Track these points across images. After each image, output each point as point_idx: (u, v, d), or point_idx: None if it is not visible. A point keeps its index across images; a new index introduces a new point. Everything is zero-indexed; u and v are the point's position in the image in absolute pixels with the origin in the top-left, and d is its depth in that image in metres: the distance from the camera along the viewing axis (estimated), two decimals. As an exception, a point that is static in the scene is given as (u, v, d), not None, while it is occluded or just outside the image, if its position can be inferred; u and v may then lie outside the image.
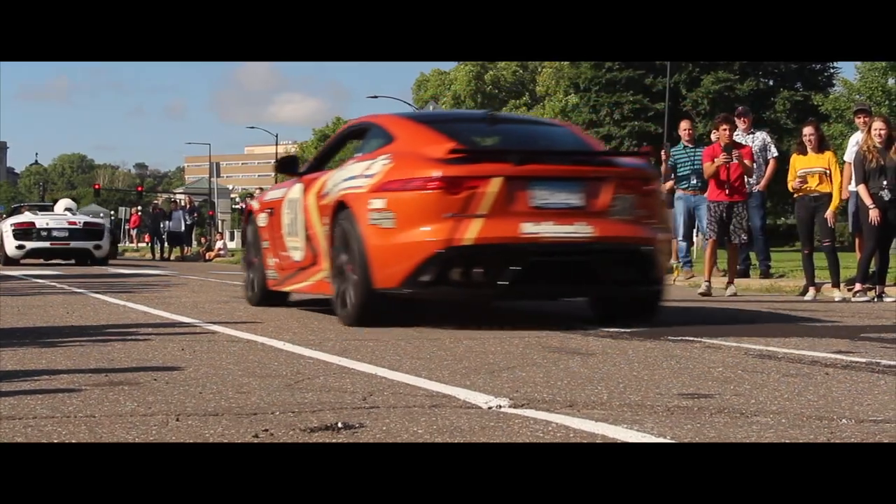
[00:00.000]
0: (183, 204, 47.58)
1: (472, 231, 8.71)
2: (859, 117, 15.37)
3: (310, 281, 10.34)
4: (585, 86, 61.09)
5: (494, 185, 8.75)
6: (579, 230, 8.93)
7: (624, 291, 9.55)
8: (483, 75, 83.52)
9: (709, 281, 14.56)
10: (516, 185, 8.83)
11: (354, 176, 9.43)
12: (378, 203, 8.96)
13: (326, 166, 11.47)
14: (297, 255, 10.65)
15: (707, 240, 15.56)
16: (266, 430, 4.28)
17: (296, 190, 10.84)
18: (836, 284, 13.72)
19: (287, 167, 11.47)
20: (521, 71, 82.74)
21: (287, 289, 11.23)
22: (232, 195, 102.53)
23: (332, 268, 9.58)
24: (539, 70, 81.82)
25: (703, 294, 14.34)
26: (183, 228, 43.78)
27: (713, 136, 15.87)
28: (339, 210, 9.42)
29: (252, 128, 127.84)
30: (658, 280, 9.49)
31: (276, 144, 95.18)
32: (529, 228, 8.79)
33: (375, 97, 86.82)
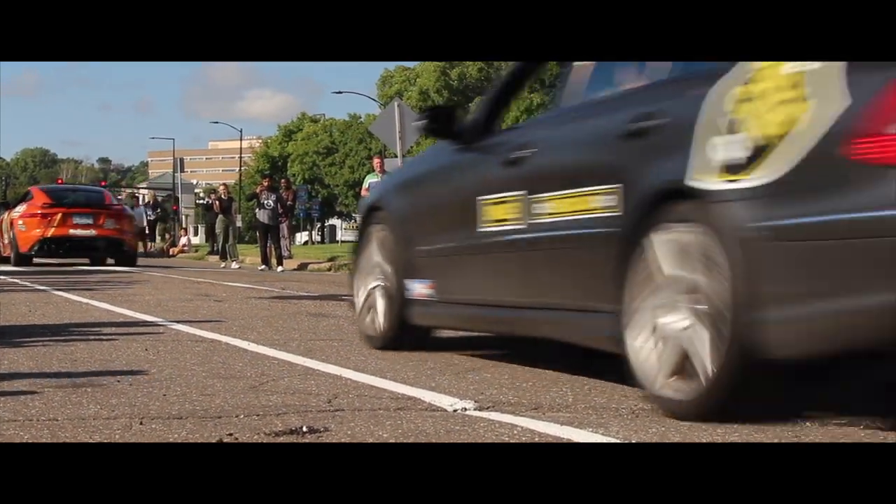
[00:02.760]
0: (147, 200, 47.42)
1: (50, 231, 24.03)
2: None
3: None
4: (551, 82, 61.18)
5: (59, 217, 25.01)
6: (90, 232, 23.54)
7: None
8: (449, 71, 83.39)
9: None
10: (68, 215, 24.95)
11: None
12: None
13: None
14: None
15: None
16: (230, 434, 4.26)
17: None
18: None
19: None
20: (486, 68, 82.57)
21: None
22: (196, 190, 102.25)
23: None
24: (504, 67, 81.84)
25: None
26: (146, 224, 43.63)
27: None
28: None
29: (216, 123, 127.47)
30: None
31: (241, 139, 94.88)
32: (71, 231, 23.55)
33: (340, 93, 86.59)
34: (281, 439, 4.20)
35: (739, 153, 4.61)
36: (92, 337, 8.09)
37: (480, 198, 6.59)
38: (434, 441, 4.17)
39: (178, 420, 4.60)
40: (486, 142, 6.80)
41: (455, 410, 4.89)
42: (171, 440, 4.17)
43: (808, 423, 4.58)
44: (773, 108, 4.52)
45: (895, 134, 4.09)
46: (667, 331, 4.89)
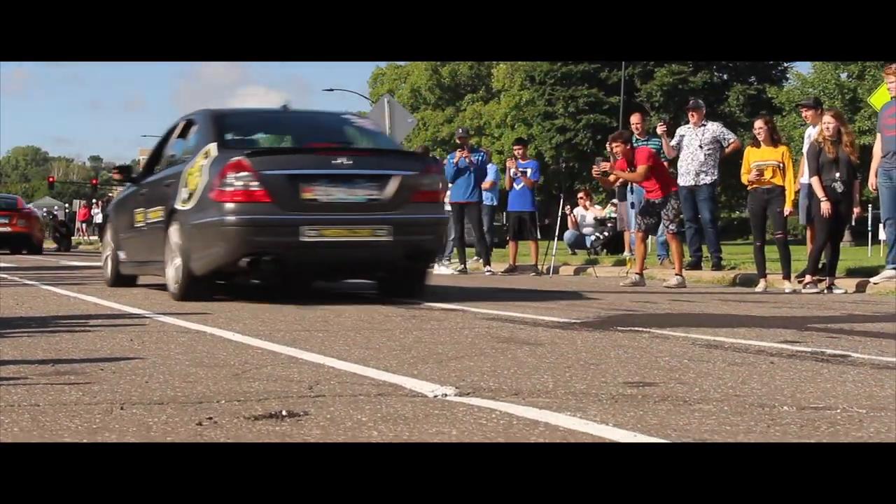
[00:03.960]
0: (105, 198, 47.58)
1: None
2: (803, 111, 15.58)
3: None
4: (541, 79, 61.28)
5: None
6: (6, 229, 32.48)
7: None
8: (440, 69, 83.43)
9: (640, 273, 14.81)
10: None
11: None
12: None
13: None
14: None
15: (635, 232, 15.83)
16: (210, 418, 4.28)
17: None
18: (786, 276, 13.81)
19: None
20: (477, 66, 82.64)
21: None
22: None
23: None
24: (496, 64, 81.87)
25: (633, 284, 14.56)
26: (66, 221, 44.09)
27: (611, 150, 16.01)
28: None
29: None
30: None
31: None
32: None
33: (332, 90, 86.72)
34: (260, 423, 4.22)
35: (186, 195, 11.35)
36: (78, 328, 8.12)
37: (134, 210, 13.35)
38: (412, 424, 4.19)
39: (158, 405, 4.63)
40: (141, 182, 13.68)
41: (435, 396, 4.91)
42: (150, 424, 4.20)
43: (785, 408, 4.61)
44: (194, 176, 11.22)
45: (220, 190, 10.81)
46: (176, 262, 11.39)
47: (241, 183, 10.73)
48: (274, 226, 10.75)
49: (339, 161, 11.08)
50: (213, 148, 11.26)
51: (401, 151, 13.42)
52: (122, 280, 13.93)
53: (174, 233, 11.43)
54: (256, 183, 10.71)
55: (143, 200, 12.99)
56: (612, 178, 16.00)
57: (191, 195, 11.19)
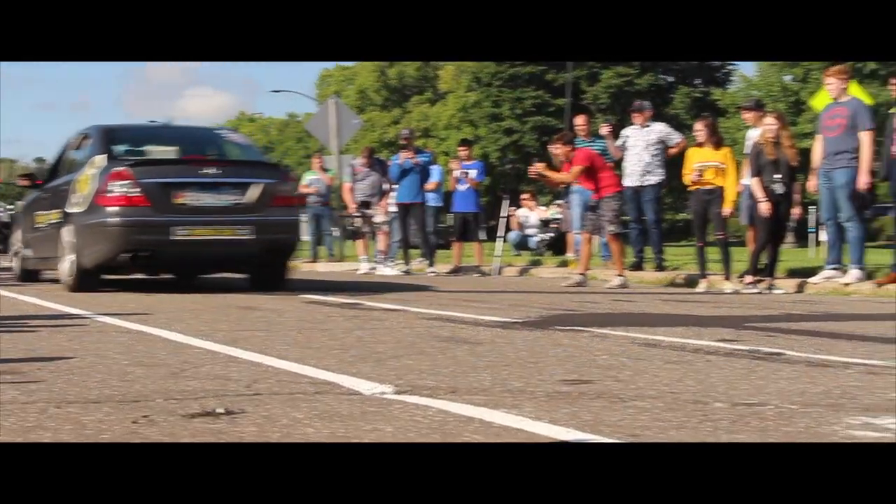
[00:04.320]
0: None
1: None
2: (744, 113, 15.74)
3: None
4: (488, 80, 61.40)
5: None
6: None
7: None
8: (387, 71, 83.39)
9: (583, 273, 14.89)
10: None
11: None
12: None
13: None
14: None
15: (581, 233, 15.93)
16: (146, 417, 4.28)
17: None
18: (727, 277, 13.93)
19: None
20: (424, 67, 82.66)
21: None
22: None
23: None
24: (443, 65, 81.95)
25: (576, 284, 14.64)
26: None
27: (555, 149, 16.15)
28: None
29: (153, 122, 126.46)
30: None
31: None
32: None
33: (278, 92, 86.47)
34: (196, 421, 4.22)
35: (77, 200, 13.15)
36: (16, 329, 8.08)
37: (37, 212, 15.04)
38: (348, 421, 4.21)
39: (95, 404, 4.62)
40: (44, 187, 15.09)
41: (373, 394, 4.93)
42: (85, 422, 4.19)
43: (717, 405, 4.67)
44: (85, 183, 13.17)
45: (104, 196, 12.77)
46: (70, 258, 13.13)
47: (122, 190, 12.76)
48: (150, 226, 12.77)
49: (207, 171, 13.26)
50: (101, 159, 13.30)
51: (263, 163, 15.34)
52: (28, 275, 16.24)
53: (67, 232, 13.34)
54: (136, 190, 12.75)
55: (44, 204, 14.94)
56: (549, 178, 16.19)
57: (81, 200, 13.17)
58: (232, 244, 13.07)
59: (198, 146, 14.70)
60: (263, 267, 13.66)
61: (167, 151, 14.69)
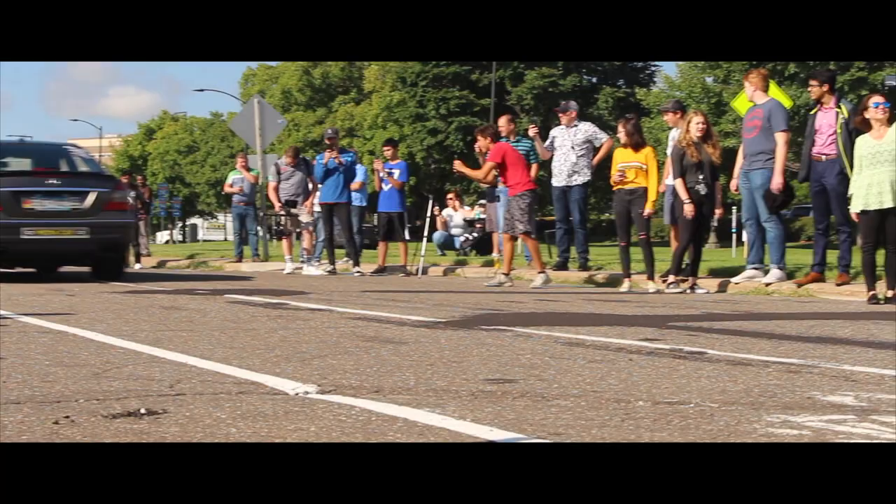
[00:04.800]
0: None
1: None
2: (665, 114, 15.87)
3: None
4: (412, 80, 61.41)
5: None
6: None
7: None
8: (311, 70, 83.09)
9: (507, 273, 14.94)
10: None
11: None
12: None
13: None
14: None
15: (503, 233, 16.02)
16: (67, 417, 4.25)
17: None
18: (650, 276, 14.03)
19: None
20: (349, 67, 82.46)
21: None
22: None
23: None
24: (367, 65, 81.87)
25: (500, 284, 14.69)
26: None
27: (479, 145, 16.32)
28: None
29: (75, 121, 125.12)
30: None
31: (101, 137, 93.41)
32: None
33: (202, 90, 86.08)
34: (118, 421, 4.20)
35: None
36: (-64, 329, 7.98)
37: None
38: (272, 421, 4.21)
39: (15, 405, 4.58)
40: None
41: (296, 394, 4.93)
42: (5, 423, 4.15)
43: (640, 403, 4.71)
44: None
45: None
46: None
47: None
48: (2, 227, 15.18)
49: (51, 181, 15.96)
50: None
51: (98, 174, 17.51)
52: None
53: None
54: None
55: None
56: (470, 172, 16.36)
57: None
58: (72, 242, 15.83)
59: (47, 160, 17.36)
60: (100, 261, 16.69)
61: (22, 163, 17.38)
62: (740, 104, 16.40)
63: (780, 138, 13.37)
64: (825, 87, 13.03)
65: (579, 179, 16.97)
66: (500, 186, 16.67)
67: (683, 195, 13.41)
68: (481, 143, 15.55)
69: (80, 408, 4.51)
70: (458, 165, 16.19)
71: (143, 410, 4.41)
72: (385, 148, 20.87)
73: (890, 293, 11.33)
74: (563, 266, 17.05)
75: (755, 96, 13.75)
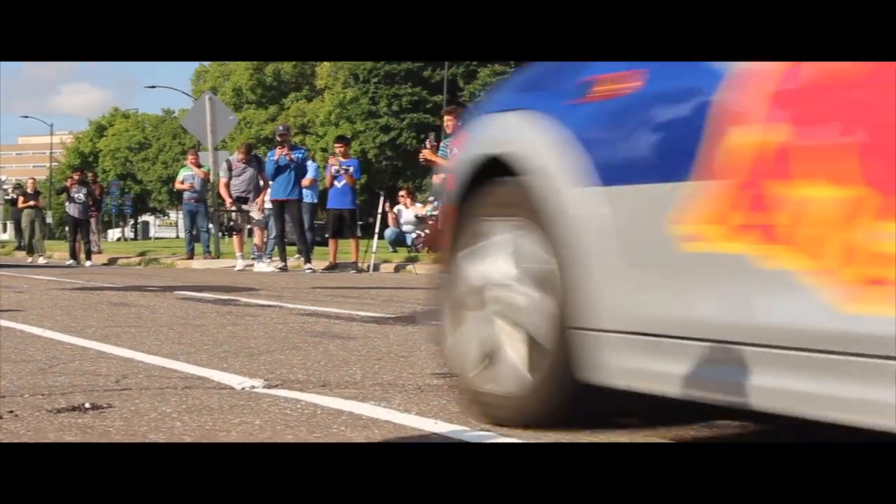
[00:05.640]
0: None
1: None
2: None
3: None
4: (365, 77, 61.39)
5: None
6: None
7: None
8: (263, 67, 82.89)
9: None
10: None
11: None
12: None
13: None
14: None
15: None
16: (11, 412, 4.24)
17: None
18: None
19: None
20: (301, 64, 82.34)
21: None
22: (4, 186, 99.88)
23: None
24: (319, 62, 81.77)
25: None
26: None
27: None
28: None
29: (26, 117, 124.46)
30: None
31: (52, 135, 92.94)
32: None
33: (154, 87, 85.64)
34: (62, 415, 4.20)
35: None
36: None
37: None
38: (217, 415, 4.21)
39: (-41, 400, 4.57)
40: None
41: (243, 388, 4.94)
42: (-51, 418, 4.15)
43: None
44: None
45: None
46: None
47: None
48: None
49: None
50: None
51: None
52: None
53: None
54: None
55: None
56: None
57: None
58: None
59: None
60: None
61: None
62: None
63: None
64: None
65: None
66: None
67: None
68: (451, 122, 15.60)
69: (24, 402, 4.50)
70: (426, 154, 16.23)
71: (87, 405, 4.40)
72: (337, 145, 20.87)
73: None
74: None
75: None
